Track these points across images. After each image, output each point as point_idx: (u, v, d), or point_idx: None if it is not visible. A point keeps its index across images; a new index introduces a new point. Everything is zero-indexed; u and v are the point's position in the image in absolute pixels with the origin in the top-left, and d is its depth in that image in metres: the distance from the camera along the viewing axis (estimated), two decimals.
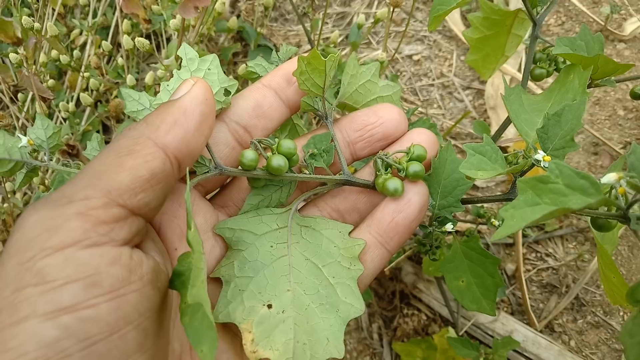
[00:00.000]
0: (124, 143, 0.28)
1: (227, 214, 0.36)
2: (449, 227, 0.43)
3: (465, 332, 0.75)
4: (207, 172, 0.32)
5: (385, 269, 0.80)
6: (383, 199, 0.36)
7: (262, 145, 0.33)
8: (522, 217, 0.23)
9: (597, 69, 0.42)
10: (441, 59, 1.02)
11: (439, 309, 0.79)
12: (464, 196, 0.41)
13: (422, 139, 0.37)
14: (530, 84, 0.92)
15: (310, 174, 0.34)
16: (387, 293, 0.82)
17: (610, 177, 0.25)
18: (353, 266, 0.32)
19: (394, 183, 0.33)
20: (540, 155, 0.32)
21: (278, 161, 0.32)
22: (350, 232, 0.34)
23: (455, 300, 0.76)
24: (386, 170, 0.34)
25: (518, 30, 0.54)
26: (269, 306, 0.30)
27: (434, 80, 0.99)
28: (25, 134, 0.36)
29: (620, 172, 0.25)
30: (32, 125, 0.38)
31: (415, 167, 0.33)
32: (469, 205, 0.86)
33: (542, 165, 0.32)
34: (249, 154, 0.32)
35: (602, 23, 0.98)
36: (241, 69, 0.81)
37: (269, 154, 0.33)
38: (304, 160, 0.35)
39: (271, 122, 0.36)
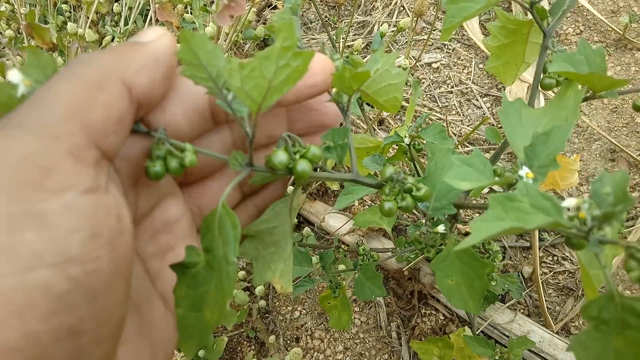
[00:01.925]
0: (92, 74, 0.25)
1: (197, 205, 0.37)
2: (441, 228, 0.45)
3: (482, 332, 0.77)
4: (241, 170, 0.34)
5: (404, 269, 0.82)
6: None
7: (290, 140, 0.35)
8: (488, 229, 0.25)
9: (595, 85, 0.43)
10: (460, 67, 1.04)
11: (456, 309, 0.81)
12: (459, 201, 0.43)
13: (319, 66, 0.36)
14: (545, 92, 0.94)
15: (323, 165, 0.37)
16: (406, 293, 0.84)
17: (570, 202, 0.27)
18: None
19: (388, 204, 0.36)
20: (523, 171, 0.34)
21: (303, 166, 0.34)
22: None
23: None
24: (397, 194, 0.36)
25: (536, 38, 0.57)
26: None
27: (452, 87, 1.02)
28: None
29: (580, 198, 0.27)
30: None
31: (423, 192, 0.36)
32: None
33: (524, 180, 0.33)
34: (281, 156, 0.33)
35: (621, 32, 1.00)
36: (259, 30, 0.85)
37: (296, 156, 0.34)
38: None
39: None
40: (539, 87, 0.51)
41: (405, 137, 0.50)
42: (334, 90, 0.38)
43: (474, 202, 0.88)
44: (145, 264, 0.34)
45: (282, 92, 0.29)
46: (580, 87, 0.41)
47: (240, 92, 0.28)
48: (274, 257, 0.37)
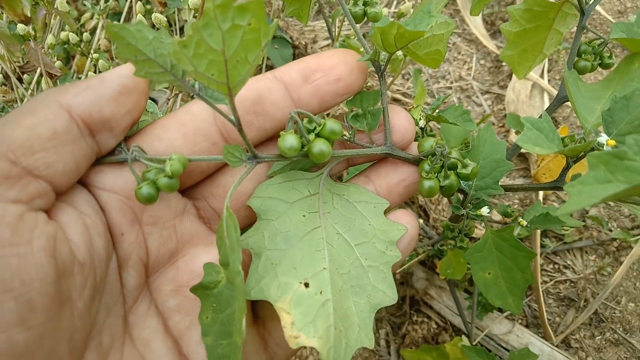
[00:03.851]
0: (28, 104, 0.26)
1: (196, 207, 0.32)
2: (484, 210, 0.40)
3: (478, 343, 0.72)
4: (244, 164, 0.28)
5: (395, 272, 0.77)
6: None
7: (300, 116, 0.29)
8: (592, 193, 0.21)
9: None
10: (460, 62, 0.99)
11: (450, 317, 0.75)
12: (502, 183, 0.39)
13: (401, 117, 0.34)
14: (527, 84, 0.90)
15: (350, 138, 0.31)
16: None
17: None
18: (389, 251, 0.29)
19: (429, 183, 0.31)
20: (603, 138, 0.30)
21: (320, 147, 0.28)
22: (386, 210, 0.31)
23: (469, 309, 0.72)
24: (440, 171, 0.31)
25: (559, 26, 0.52)
26: (306, 285, 0.27)
27: (452, 83, 0.97)
28: None
29: None
30: None
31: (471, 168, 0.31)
32: (495, 203, 0.83)
33: (604, 149, 0.30)
34: (291, 141, 0.28)
35: None
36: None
37: (310, 136, 0.29)
38: (345, 119, 0.32)
39: (270, 123, 0.30)
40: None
41: (420, 119, 0.44)
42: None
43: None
44: (166, 320, 0.29)
45: (249, 62, 0.23)
46: None
47: (199, 77, 0.23)
48: (283, 261, 0.28)
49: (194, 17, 0.74)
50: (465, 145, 0.56)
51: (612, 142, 0.30)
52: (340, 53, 0.31)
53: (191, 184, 0.32)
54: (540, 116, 0.35)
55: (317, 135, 0.29)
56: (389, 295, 0.28)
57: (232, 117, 0.26)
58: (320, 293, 0.27)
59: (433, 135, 0.49)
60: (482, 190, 0.36)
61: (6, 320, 0.20)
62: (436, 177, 0.31)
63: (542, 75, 0.92)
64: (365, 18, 0.38)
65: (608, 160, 0.21)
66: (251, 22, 0.21)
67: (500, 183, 0.40)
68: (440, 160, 0.30)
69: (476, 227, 0.79)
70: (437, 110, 0.51)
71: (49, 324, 0.22)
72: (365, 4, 0.37)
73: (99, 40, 1.01)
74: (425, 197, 0.31)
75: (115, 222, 0.28)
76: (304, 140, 0.28)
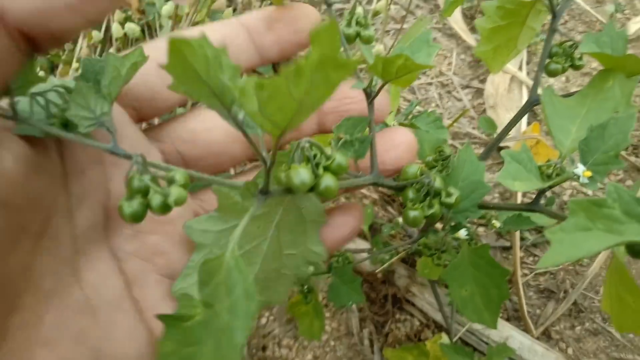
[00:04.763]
0: None
1: (161, 150, 0.31)
2: (462, 233, 0.40)
3: (460, 338, 0.73)
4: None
5: (377, 271, 0.78)
6: None
7: (311, 146, 0.26)
8: (574, 243, 0.21)
9: (632, 69, 0.39)
10: (440, 57, 1.00)
11: (432, 314, 0.77)
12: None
13: (404, 140, 0.34)
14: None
15: None
16: (379, 297, 0.80)
17: None
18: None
19: (414, 213, 0.31)
20: (580, 169, 0.30)
21: (328, 183, 0.26)
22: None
23: (449, 305, 0.73)
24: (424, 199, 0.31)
25: (533, 23, 0.52)
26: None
27: (432, 78, 0.97)
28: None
29: None
30: None
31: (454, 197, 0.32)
32: None
33: (580, 181, 0.30)
34: (304, 176, 0.25)
35: (606, 22, 0.96)
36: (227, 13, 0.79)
37: (319, 171, 0.27)
38: (331, 145, 0.31)
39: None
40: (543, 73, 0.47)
41: (393, 125, 0.45)
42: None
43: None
44: (121, 263, 0.28)
45: (314, 109, 0.21)
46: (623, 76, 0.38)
47: (256, 116, 0.21)
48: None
49: (172, 20, 0.75)
50: (439, 153, 0.56)
51: (588, 173, 0.30)
52: (302, 6, 0.32)
53: (153, 116, 0.30)
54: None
55: (325, 169, 0.27)
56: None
57: (264, 154, 0.24)
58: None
59: None
60: (460, 214, 0.36)
61: None
62: (421, 207, 0.31)
63: (520, 68, 0.92)
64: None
65: (588, 208, 0.22)
66: (342, 74, 0.18)
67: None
68: (425, 189, 0.31)
69: None
70: (409, 117, 0.52)
71: None
72: (358, 24, 0.36)
73: (80, 49, 1.02)
74: (410, 226, 0.31)
75: (77, 158, 0.26)
76: (315, 175, 0.27)
